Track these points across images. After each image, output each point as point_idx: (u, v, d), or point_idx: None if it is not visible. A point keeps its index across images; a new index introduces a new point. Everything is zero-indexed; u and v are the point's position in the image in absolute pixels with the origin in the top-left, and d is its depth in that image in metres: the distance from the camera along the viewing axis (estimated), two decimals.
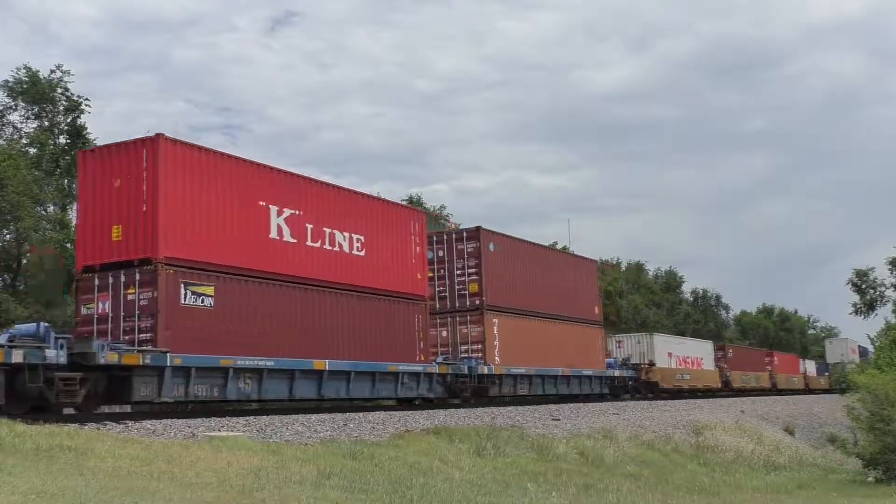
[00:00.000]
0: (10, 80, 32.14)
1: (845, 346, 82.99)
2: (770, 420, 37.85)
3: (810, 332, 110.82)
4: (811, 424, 42.07)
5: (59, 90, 32.68)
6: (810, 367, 71.03)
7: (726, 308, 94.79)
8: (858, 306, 59.64)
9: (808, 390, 66.23)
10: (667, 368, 41.64)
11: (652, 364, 40.35)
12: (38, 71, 32.53)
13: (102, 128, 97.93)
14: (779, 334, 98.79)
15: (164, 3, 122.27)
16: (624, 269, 76.80)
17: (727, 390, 49.78)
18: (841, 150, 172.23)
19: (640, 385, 39.06)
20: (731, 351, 53.77)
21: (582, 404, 30.25)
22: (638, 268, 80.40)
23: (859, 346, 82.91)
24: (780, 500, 18.14)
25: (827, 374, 74.06)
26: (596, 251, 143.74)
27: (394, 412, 21.03)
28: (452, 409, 23.30)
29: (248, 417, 17.50)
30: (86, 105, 32.97)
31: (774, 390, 58.57)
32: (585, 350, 33.24)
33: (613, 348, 40.95)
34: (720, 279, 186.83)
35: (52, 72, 32.76)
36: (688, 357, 45.07)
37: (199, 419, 16.42)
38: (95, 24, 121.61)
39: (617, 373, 36.26)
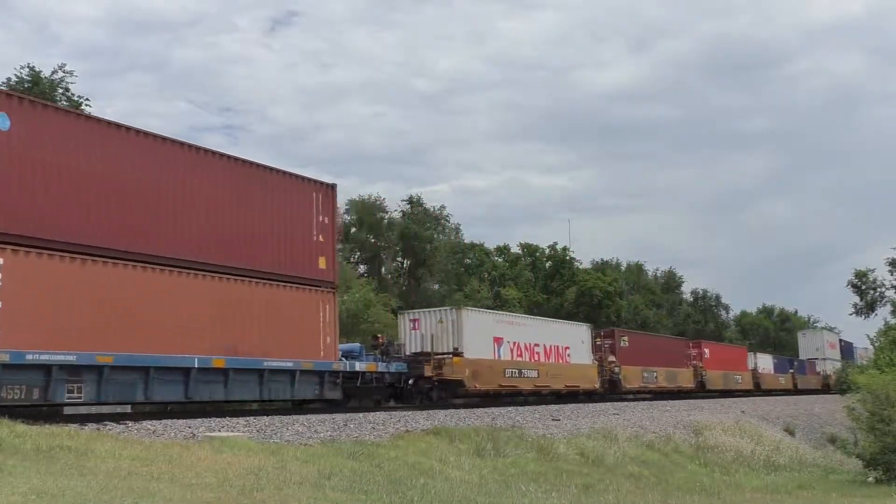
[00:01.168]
0: (13, 78, 32.16)
1: (821, 340, 73.83)
2: (770, 420, 37.87)
3: None
4: (811, 425, 42.06)
5: (61, 90, 32.68)
6: (764, 362, 58.08)
7: (726, 308, 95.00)
8: (859, 307, 59.52)
9: (759, 391, 53.95)
10: (486, 361, 27.95)
11: (457, 354, 26.67)
12: (40, 71, 32.59)
13: None
14: (779, 335, 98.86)
15: (164, 3, 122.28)
16: (624, 269, 76.83)
17: (616, 393, 37.28)
18: (841, 149, 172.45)
19: (427, 386, 26.01)
20: (624, 339, 39.18)
21: (583, 405, 30.20)
22: (638, 268, 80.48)
23: (841, 341, 76.73)
24: (781, 501, 18.15)
25: (791, 370, 62.06)
26: (596, 251, 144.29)
27: (394, 412, 21.05)
28: (452, 410, 23.32)
29: (248, 418, 17.52)
30: (86, 105, 32.99)
31: (702, 392, 45.81)
32: (287, 327, 19.88)
33: (404, 329, 28.13)
34: (720, 279, 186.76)
35: (54, 72, 32.81)
36: (536, 345, 31.32)
37: (199, 419, 16.45)
38: (96, 24, 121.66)
39: (361, 366, 22.54)
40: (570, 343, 33.83)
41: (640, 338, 43.49)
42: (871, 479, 23.59)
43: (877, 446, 23.55)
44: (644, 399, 38.45)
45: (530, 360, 30.82)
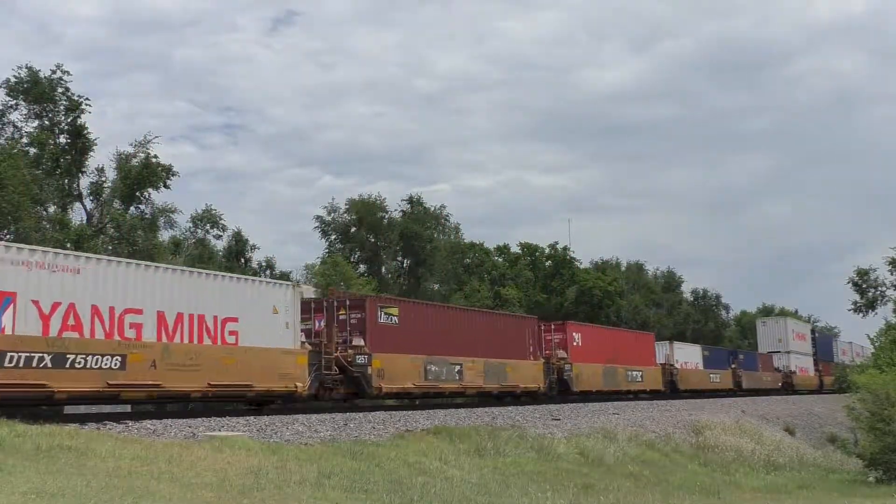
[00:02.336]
0: (12, 79, 32.14)
1: (784, 330, 60.46)
2: (770, 420, 37.83)
3: None
4: (812, 424, 42.03)
5: (60, 90, 32.64)
6: (686, 354, 44.85)
7: (726, 308, 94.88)
8: (859, 304, 59.29)
9: (676, 393, 41.48)
10: None
11: None
12: (38, 70, 32.56)
13: (106, 128, 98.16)
14: None
15: (165, 2, 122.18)
16: (624, 269, 76.85)
17: (365, 396, 23.26)
18: (842, 149, 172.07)
19: None
20: (389, 313, 24.48)
21: (582, 404, 30.17)
22: (638, 268, 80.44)
23: (815, 332, 67.85)
24: (781, 500, 18.16)
25: (733, 366, 49.92)
26: (596, 251, 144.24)
27: (394, 412, 21.04)
28: (452, 409, 23.31)
29: (248, 417, 17.52)
30: (86, 105, 32.96)
31: (557, 395, 31.70)
32: None
33: None
34: (720, 279, 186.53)
35: (53, 71, 32.78)
36: (137, 312, 17.08)
37: (200, 419, 16.46)
38: (97, 23, 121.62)
39: None
40: (241, 312, 19.48)
41: (428, 311, 27.50)
42: (871, 478, 23.61)
43: (877, 446, 23.58)
44: (432, 407, 24.48)
45: (108, 336, 16.54)
